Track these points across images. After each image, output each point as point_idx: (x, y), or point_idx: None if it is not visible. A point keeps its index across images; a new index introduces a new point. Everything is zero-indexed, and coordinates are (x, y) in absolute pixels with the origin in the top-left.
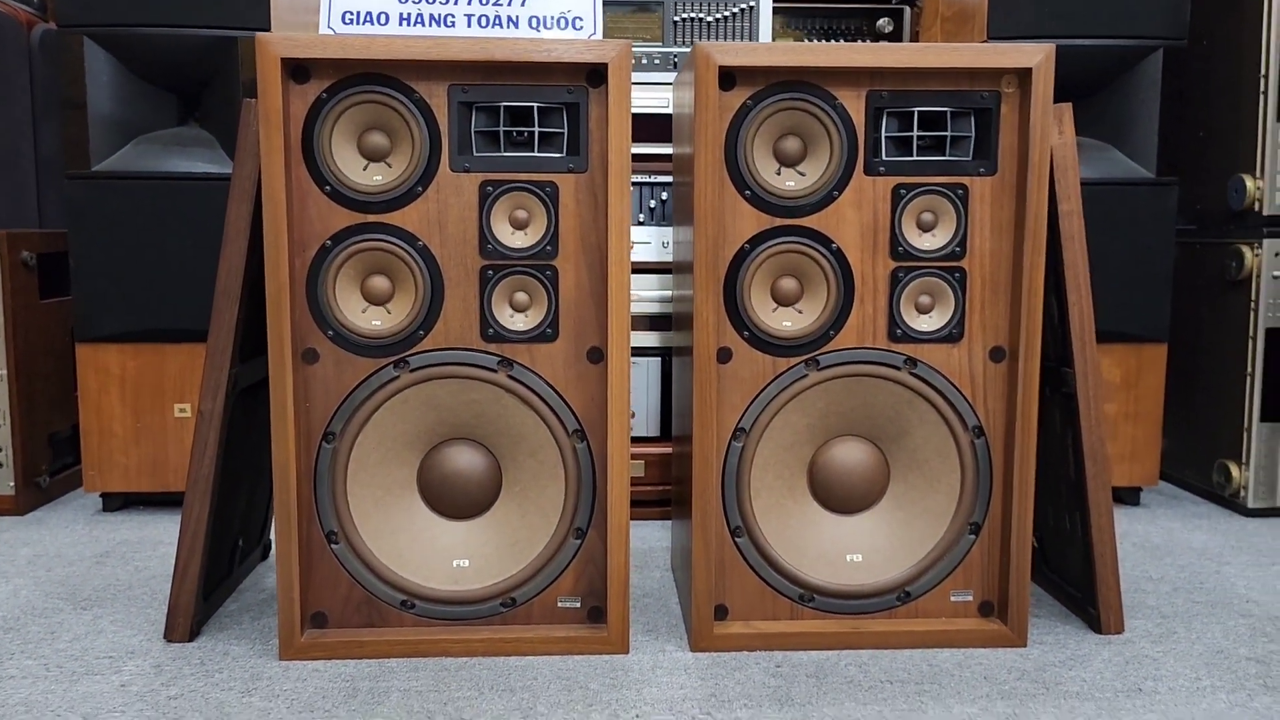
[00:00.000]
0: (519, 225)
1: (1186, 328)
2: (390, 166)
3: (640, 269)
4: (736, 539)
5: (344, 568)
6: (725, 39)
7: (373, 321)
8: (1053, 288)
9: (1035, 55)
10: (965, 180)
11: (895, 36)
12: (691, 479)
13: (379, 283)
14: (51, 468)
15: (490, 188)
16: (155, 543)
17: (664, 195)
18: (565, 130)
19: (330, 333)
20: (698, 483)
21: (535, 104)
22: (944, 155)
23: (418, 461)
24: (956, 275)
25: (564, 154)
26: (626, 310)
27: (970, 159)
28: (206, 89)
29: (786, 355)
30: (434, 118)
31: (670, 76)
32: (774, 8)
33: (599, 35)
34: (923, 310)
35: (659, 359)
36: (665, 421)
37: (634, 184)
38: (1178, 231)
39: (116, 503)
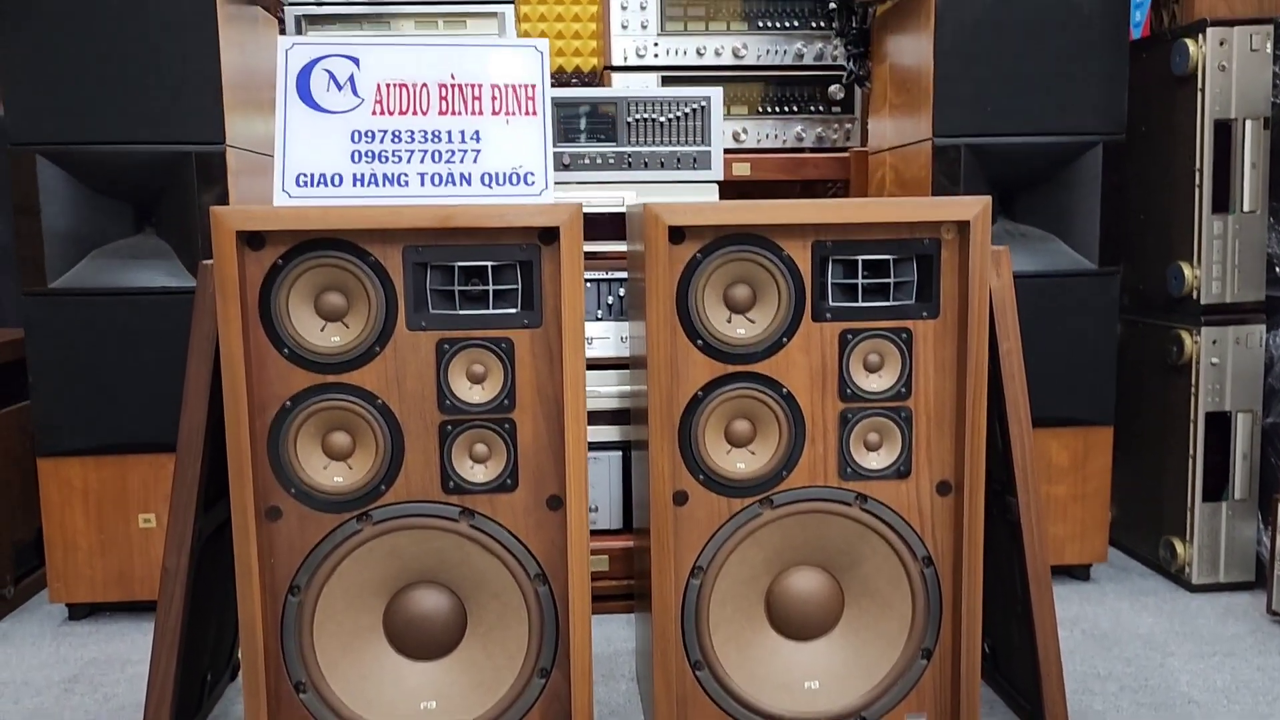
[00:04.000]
0: (476, 380)
1: (1133, 406)
2: (348, 327)
3: (599, 365)
4: (697, 672)
5: (312, 715)
6: (678, 139)
7: (334, 478)
8: (995, 418)
9: (973, 208)
10: (909, 324)
11: (847, 104)
12: (651, 618)
13: (340, 439)
14: (16, 574)
15: (447, 345)
16: (124, 661)
17: (620, 291)
18: (519, 286)
19: (293, 490)
20: (657, 623)
21: (490, 263)
22: (888, 300)
23: (383, 606)
24: (903, 414)
25: (519, 309)
26: (584, 459)
27: (913, 302)
28: (162, 199)
29: (741, 495)
30: (389, 278)
31: (624, 175)
32: (729, 76)
33: (550, 190)
34: (871, 448)
35: (619, 453)
36: (628, 512)
37: (591, 280)
38: (1123, 308)
39: (83, 611)
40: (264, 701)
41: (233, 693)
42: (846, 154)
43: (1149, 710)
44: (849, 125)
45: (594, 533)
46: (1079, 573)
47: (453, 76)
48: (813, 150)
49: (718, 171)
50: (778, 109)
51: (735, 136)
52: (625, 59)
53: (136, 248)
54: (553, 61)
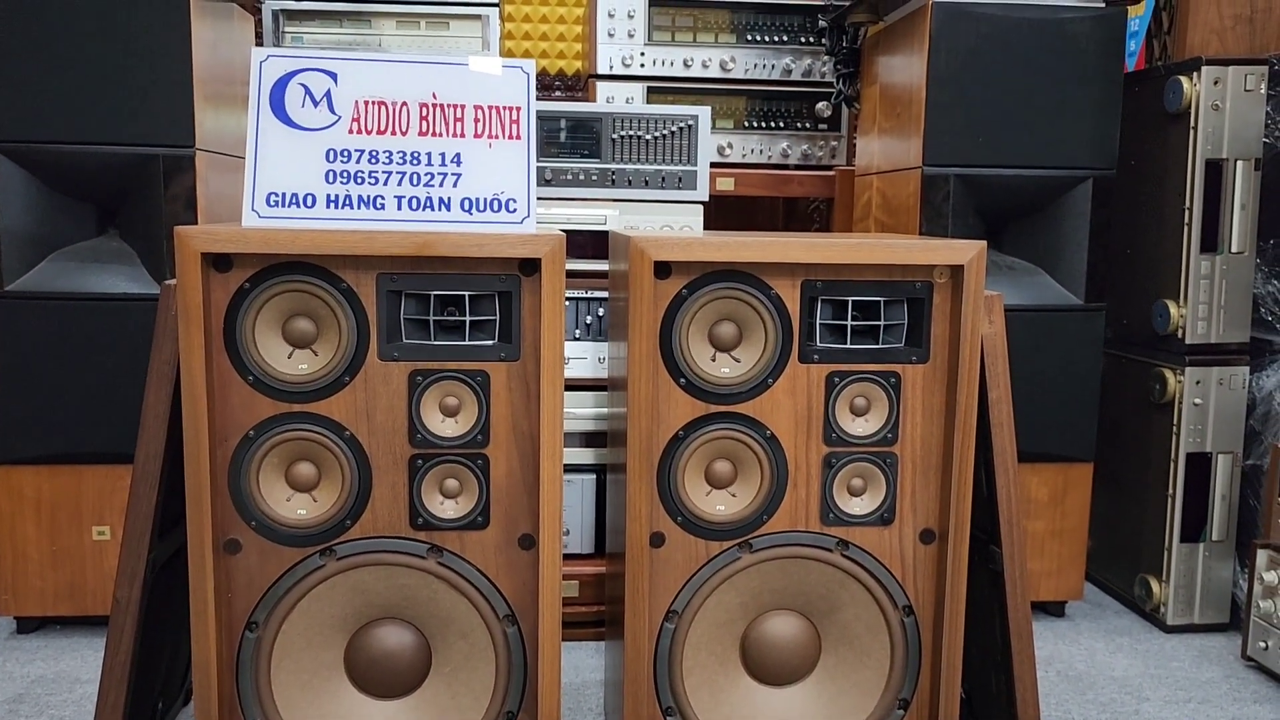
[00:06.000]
0: (449, 413)
1: (1114, 443)
2: (316, 355)
3: (575, 386)
4: (668, 718)
5: None
6: (663, 158)
7: (298, 510)
8: (981, 465)
9: (968, 252)
10: (897, 368)
11: (833, 121)
12: (624, 664)
13: (304, 469)
14: None
15: (420, 377)
16: (73, 681)
17: (600, 311)
18: (497, 318)
19: (253, 523)
20: (629, 669)
21: (467, 292)
22: (877, 343)
23: (344, 642)
24: (888, 460)
25: (495, 341)
26: (559, 499)
27: (903, 346)
28: (127, 201)
29: (720, 539)
30: (362, 306)
31: (606, 193)
32: (715, 89)
33: (532, 219)
34: (855, 493)
35: (593, 476)
36: (600, 537)
37: (570, 299)
38: (1106, 343)
39: (32, 624)
40: None
41: (185, 717)
42: (832, 172)
43: None
44: (835, 143)
45: (565, 558)
46: (1054, 609)
47: (434, 96)
48: (798, 167)
49: (703, 192)
50: (764, 124)
51: (720, 150)
52: (611, 67)
53: (98, 251)
54: (536, 64)
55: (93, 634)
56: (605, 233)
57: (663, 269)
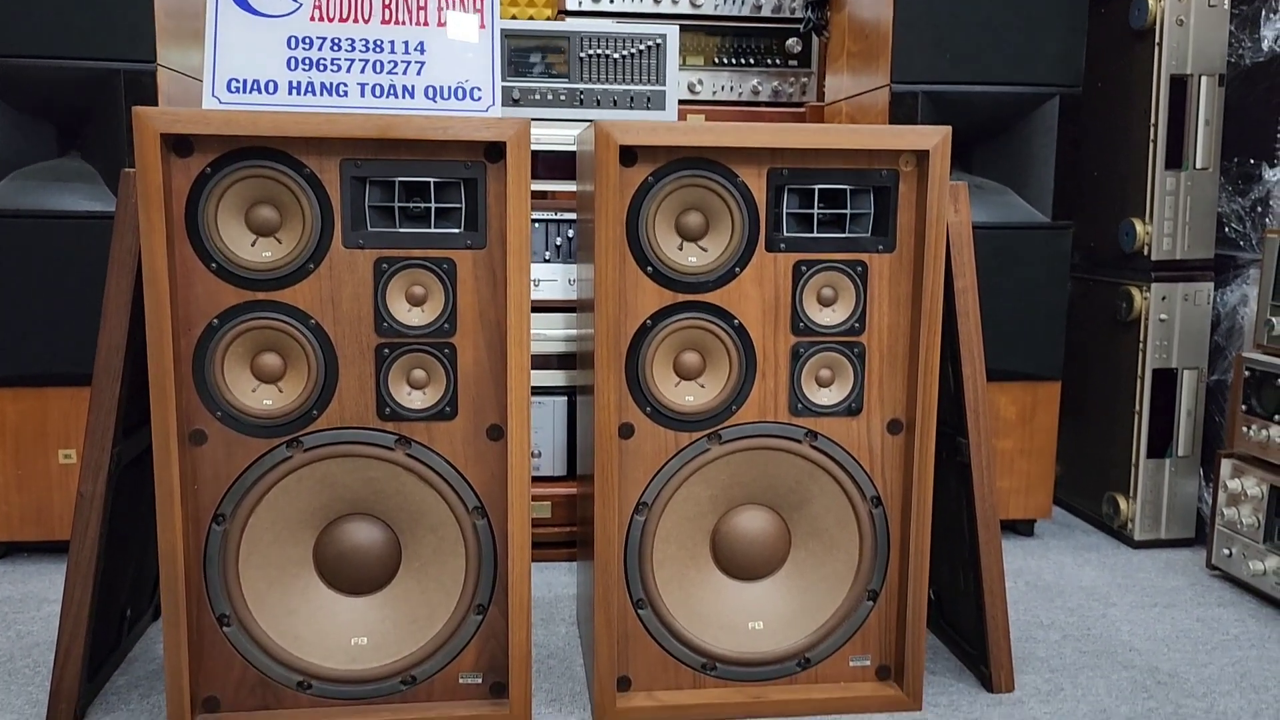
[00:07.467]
0: (416, 302)
1: (1080, 362)
2: (280, 242)
3: (546, 307)
4: (639, 610)
5: (236, 650)
6: (632, 78)
7: (264, 401)
8: (949, 357)
9: (933, 138)
10: (864, 257)
11: (804, 58)
12: (594, 555)
13: (270, 360)
14: None
15: (385, 265)
16: (39, 600)
17: (570, 233)
18: (463, 205)
19: (219, 413)
20: (599, 558)
21: (432, 179)
22: (844, 232)
23: (313, 538)
24: (856, 350)
25: (461, 229)
26: (526, 388)
27: (869, 236)
28: (88, 120)
29: (689, 430)
30: (326, 193)
31: (575, 114)
32: (685, 25)
33: (497, 106)
34: (823, 384)
35: (565, 398)
36: (571, 459)
37: (539, 221)
38: (1074, 266)
39: None
40: (185, 635)
41: (155, 631)
42: (803, 109)
43: (1091, 658)
44: (805, 79)
45: (536, 479)
46: (1023, 528)
47: None
48: (768, 104)
49: (672, 113)
50: (734, 60)
51: (690, 88)
52: (580, 3)
53: (60, 170)
54: (505, 11)
55: (60, 559)
56: (573, 153)
57: (628, 155)
